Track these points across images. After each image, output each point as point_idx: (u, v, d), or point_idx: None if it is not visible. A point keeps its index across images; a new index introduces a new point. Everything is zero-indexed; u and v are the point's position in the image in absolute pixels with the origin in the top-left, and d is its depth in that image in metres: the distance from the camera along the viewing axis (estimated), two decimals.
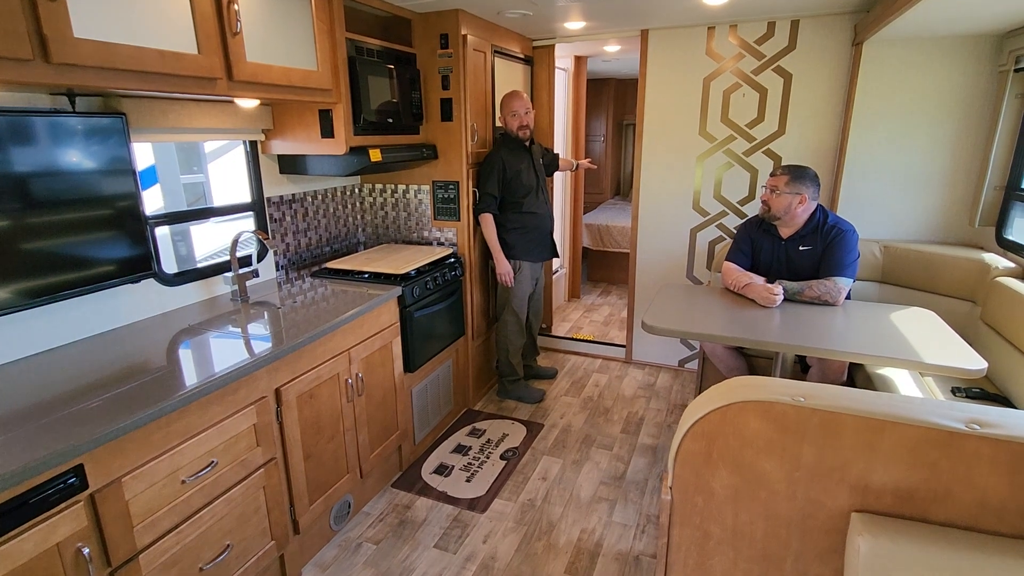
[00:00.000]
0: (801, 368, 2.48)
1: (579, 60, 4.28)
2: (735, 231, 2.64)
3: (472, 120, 2.74)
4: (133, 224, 1.79)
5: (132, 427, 1.29)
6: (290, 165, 2.43)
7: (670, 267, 3.45)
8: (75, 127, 1.62)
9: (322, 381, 1.92)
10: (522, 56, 3.31)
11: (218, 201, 2.88)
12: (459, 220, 2.82)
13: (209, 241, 2.79)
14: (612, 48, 3.85)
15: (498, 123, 2.99)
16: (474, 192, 2.85)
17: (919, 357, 1.75)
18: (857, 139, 2.78)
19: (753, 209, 3.17)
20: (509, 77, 3.18)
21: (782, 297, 2.20)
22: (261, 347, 1.71)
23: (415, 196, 2.90)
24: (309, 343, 1.83)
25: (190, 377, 1.50)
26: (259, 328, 1.91)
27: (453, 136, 2.72)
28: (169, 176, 2.85)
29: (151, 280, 1.95)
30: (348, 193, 2.91)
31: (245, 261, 2.28)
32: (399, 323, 2.36)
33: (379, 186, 2.96)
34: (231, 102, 2.07)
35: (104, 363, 1.58)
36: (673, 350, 3.58)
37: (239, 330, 1.87)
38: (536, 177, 2.95)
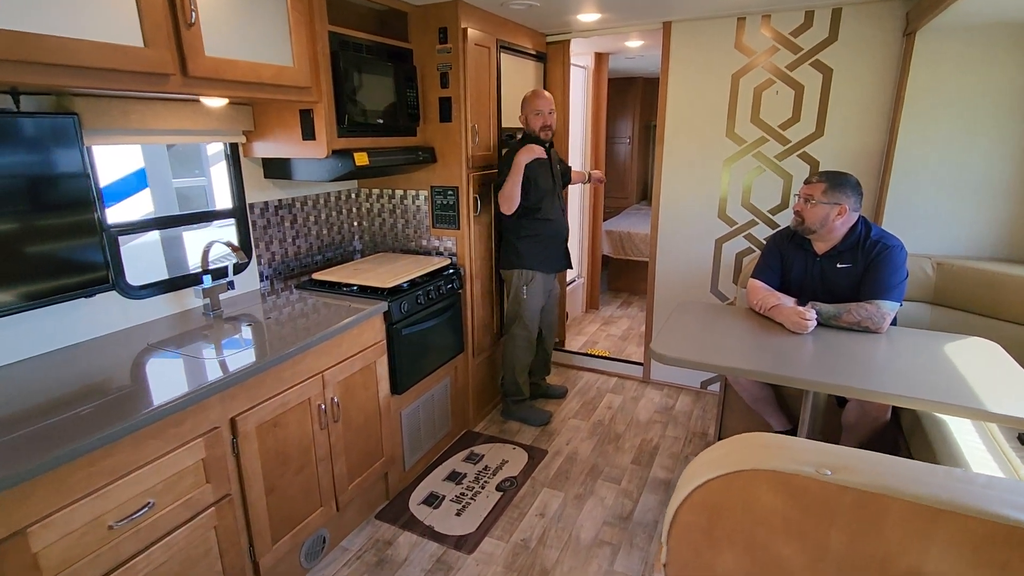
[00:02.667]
0: (837, 402, 2.18)
1: (600, 57, 4.03)
2: (765, 244, 2.35)
3: (473, 121, 2.53)
4: (88, 233, 1.64)
5: (41, 470, 1.13)
6: (275, 169, 2.28)
7: (693, 281, 3.17)
8: (20, 128, 1.48)
9: (289, 408, 1.74)
10: (533, 52, 3.09)
11: (221, 206, 2.75)
12: (458, 229, 2.62)
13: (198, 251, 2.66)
14: (635, 43, 3.59)
15: (519, 122, 2.80)
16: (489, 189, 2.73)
17: (982, 405, 1.46)
18: (907, 142, 2.45)
19: (785, 219, 2.86)
20: (518, 75, 2.97)
21: (815, 322, 1.92)
22: (216, 372, 1.54)
23: (413, 202, 2.71)
24: (272, 366, 1.65)
25: (128, 408, 1.33)
26: (222, 348, 1.74)
27: (452, 138, 2.52)
28: (160, 180, 2.74)
29: (113, 293, 1.81)
30: (344, 199, 2.74)
31: (222, 273, 2.13)
32: (385, 341, 2.17)
33: (376, 191, 2.79)
34: (200, 101, 1.91)
35: (36, 390, 1.43)
36: (695, 370, 3.28)
37: (198, 351, 1.71)
38: (553, 182, 2.75)
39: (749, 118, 2.84)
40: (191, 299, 2.04)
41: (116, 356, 1.64)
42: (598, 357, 3.60)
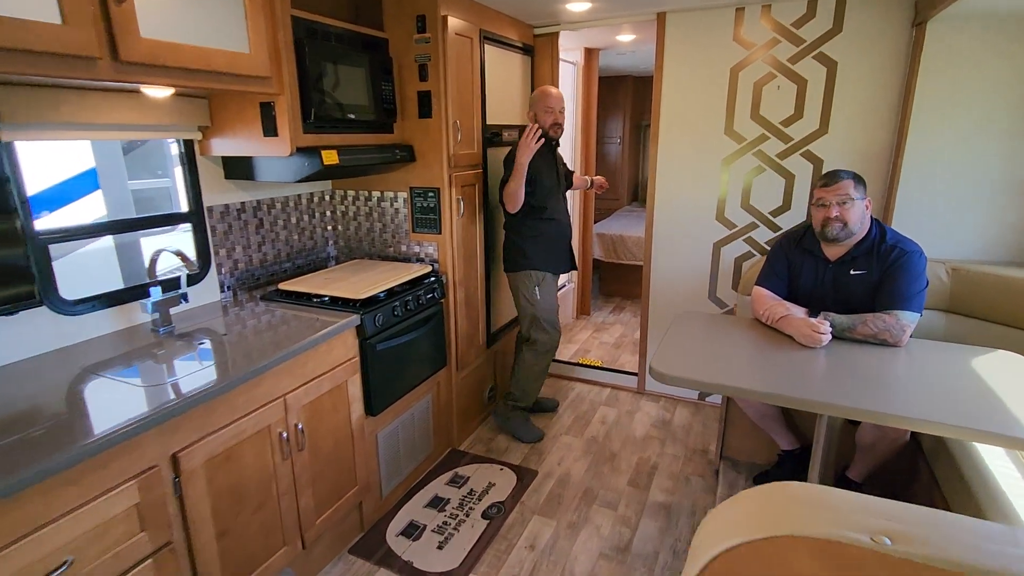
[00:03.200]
0: (850, 420, 2.01)
1: (590, 53, 3.86)
2: (768, 248, 2.17)
3: (455, 117, 2.34)
4: (8, 243, 1.43)
5: None
6: (237, 169, 2.07)
7: (690, 286, 3.00)
8: None
9: (245, 438, 1.54)
10: (520, 45, 2.90)
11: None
12: (440, 233, 2.42)
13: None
14: (626, 38, 3.42)
15: (504, 119, 2.68)
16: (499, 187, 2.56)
17: (1021, 432, 1.29)
18: (918, 139, 2.30)
19: (788, 222, 2.70)
20: (503, 69, 2.78)
21: (829, 335, 1.75)
22: (157, 400, 1.33)
23: (391, 205, 2.51)
24: (225, 392, 1.44)
25: (40, 450, 1.12)
26: (167, 372, 1.53)
27: (432, 135, 2.32)
28: (114, 181, 2.51)
29: (43, 309, 1.59)
30: (316, 201, 2.54)
31: (175, 284, 1.92)
32: (358, 358, 1.97)
33: (351, 193, 2.59)
34: (142, 92, 1.70)
35: None
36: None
37: (139, 375, 1.50)
38: (558, 181, 2.61)
39: (749, 114, 2.68)
40: (139, 314, 1.82)
41: (40, 383, 1.43)
42: (591, 367, 3.42)
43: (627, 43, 3.56)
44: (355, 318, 1.92)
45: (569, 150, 3.93)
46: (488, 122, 2.64)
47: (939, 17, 2.14)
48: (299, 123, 1.85)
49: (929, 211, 2.34)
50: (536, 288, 2.60)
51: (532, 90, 3.11)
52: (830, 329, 1.75)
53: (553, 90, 2.52)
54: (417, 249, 2.51)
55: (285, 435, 1.66)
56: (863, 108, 2.47)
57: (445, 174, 2.35)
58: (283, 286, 2.14)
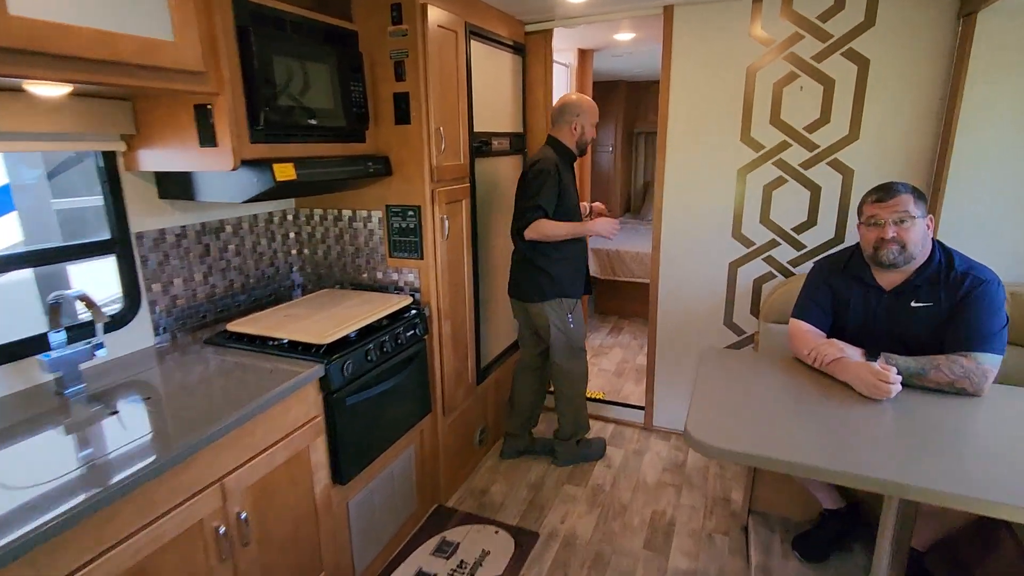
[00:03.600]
0: None
1: (584, 54, 3.56)
2: (791, 269, 1.86)
3: (438, 123, 2.00)
4: None
5: None
6: (173, 187, 1.71)
7: (702, 310, 2.69)
8: None
9: (166, 541, 1.17)
10: (510, 42, 2.58)
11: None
12: (421, 258, 2.08)
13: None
14: (625, 36, 3.13)
15: (565, 129, 2.31)
16: (519, 207, 2.27)
17: None
18: (967, 147, 2.02)
19: (814, 238, 2.41)
20: (492, 68, 2.45)
21: (899, 385, 1.44)
22: (29, 517, 0.96)
23: (364, 226, 2.16)
24: (129, 492, 1.08)
25: None
26: (55, 461, 1.16)
27: (411, 145, 1.98)
28: (33, 201, 2.13)
29: None
30: (277, 222, 2.18)
31: (89, 330, 1.54)
32: (322, 417, 1.61)
33: (318, 212, 2.23)
34: (31, 91, 1.34)
35: None
36: None
37: (10, 469, 1.13)
38: (577, 197, 2.37)
39: (768, 119, 2.38)
40: (41, 371, 1.45)
41: None
42: (591, 400, 3.09)
43: (625, 43, 3.27)
44: (318, 368, 1.56)
45: None
46: (476, 129, 2.31)
47: (994, 7, 1.87)
48: (244, 130, 1.49)
49: (979, 228, 2.06)
50: (569, 315, 2.37)
51: (524, 94, 2.79)
52: (899, 377, 1.44)
53: (591, 100, 2.36)
54: (395, 276, 2.16)
55: (223, 529, 1.29)
56: (900, 111, 2.19)
57: (427, 189, 2.01)
58: (233, 326, 1.78)
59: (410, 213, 2.05)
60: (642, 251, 4.18)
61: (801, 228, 2.43)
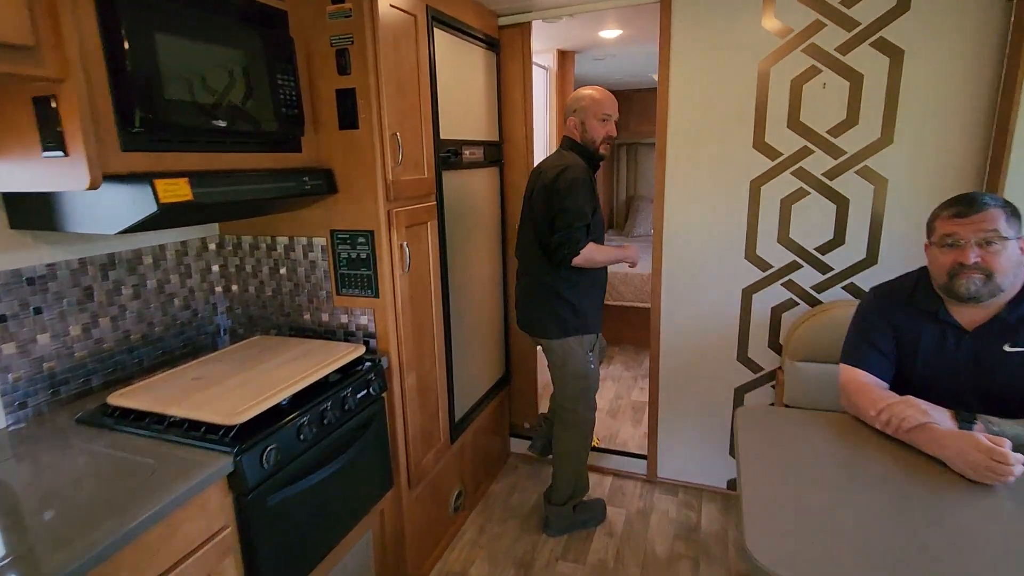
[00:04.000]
0: None
1: (564, 57, 3.21)
2: (861, 308, 1.51)
3: (394, 127, 1.60)
4: None
5: None
6: (31, 214, 1.26)
7: (712, 344, 2.31)
8: None
9: None
10: (482, 36, 2.20)
11: None
12: (377, 296, 1.65)
13: None
14: (611, 34, 2.79)
15: (569, 127, 2.01)
16: (563, 222, 1.87)
17: None
18: None
19: (842, 261, 2.06)
20: (461, 64, 2.07)
21: (1022, 467, 1.06)
22: None
23: (305, 256, 1.74)
24: None
25: None
26: None
27: (360, 154, 1.57)
28: None
29: None
30: (195, 253, 1.74)
31: None
32: (234, 527, 1.17)
33: (247, 239, 1.79)
34: None
35: None
36: (717, 461, 2.42)
37: None
38: (603, 212, 2.06)
39: (785, 122, 2.04)
40: None
41: None
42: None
43: (611, 41, 2.93)
44: (224, 462, 1.12)
45: None
46: (443, 136, 1.91)
47: None
48: (112, 133, 1.07)
49: None
50: (590, 354, 2.06)
51: (499, 96, 2.41)
52: (1020, 459, 1.07)
53: (604, 91, 1.98)
54: (345, 319, 1.73)
55: None
56: (941, 110, 1.87)
57: (381, 210, 1.59)
58: (116, 398, 1.32)
59: (361, 240, 1.63)
60: (631, 272, 3.82)
61: (826, 248, 2.08)
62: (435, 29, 1.82)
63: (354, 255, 1.65)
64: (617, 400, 3.24)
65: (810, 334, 1.94)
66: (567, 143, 2.02)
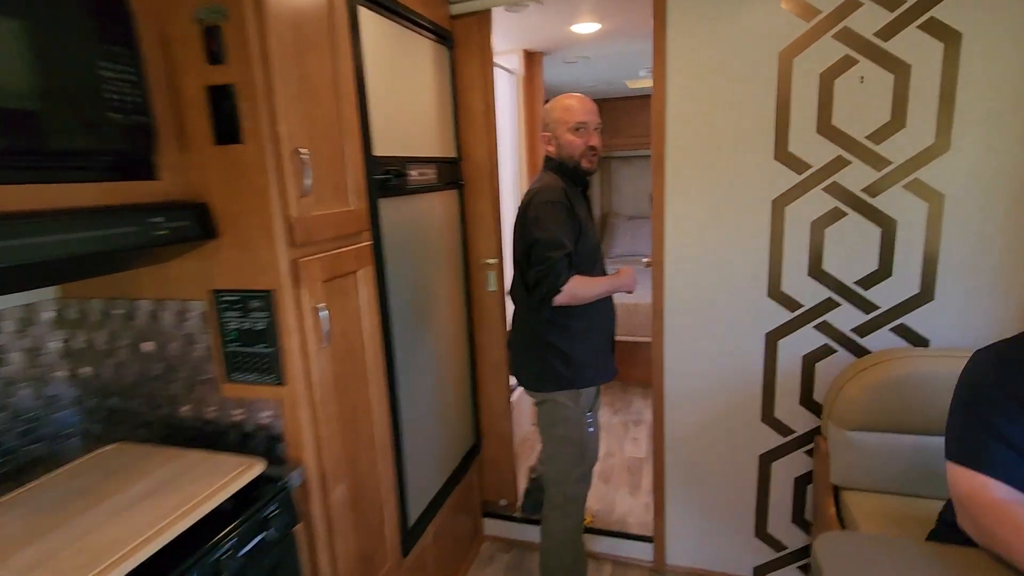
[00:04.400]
0: None
1: (531, 59, 2.78)
2: (969, 382, 1.07)
3: (297, 141, 1.10)
4: None
5: None
6: None
7: (729, 402, 1.87)
8: None
9: None
10: (429, 26, 1.74)
11: None
12: (282, 383, 1.14)
13: None
14: (586, 28, 2.36)
15: (544, 144, 1.68)
16: (537, 255, 1.52)
17: None
18: None
19: (890, 296, 1.65)
20: (402, 57, 1.59)
21: None
22: None
23: (177, 325, 1.21)
24: None
25: None
26: None
27: (248, 180, 1.07)
28: None
29: None
30: (17, 327, 1.19)
31: None
32: None
33: (98, 304, 1.26)
34: None
35: None
36: (741, 543, 1.96)
37: None
38: (597, 237, 1.70)
39: (814, 126, 1.64)
40: None
41: None
42: None
43: (587, 38, 2.50)
44: None
45: (512, 193, 2.78)
46: (377, 153, 1.42)
47: None
48: None
49: None
50: (589, 414, 1.66)
51: (455, 102, 1.95)
52: None
53: (577, 97, 1.63)
54: (239, 415, 1.21)
55: None
56: (1011, 106, 1.48)
57: (282, 261, 1.09)
58: None
59: (256, 304, 1.12)
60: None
61: (870, 281, 1.67)
62: (361, 8, 1.34)
63: (247, 325, 1.14)
64: (608, 458, 2.76)
65: (864, 395, 1.51)
66: (546, 162, 1.69)
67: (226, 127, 1.06)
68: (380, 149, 1.43)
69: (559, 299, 1.50)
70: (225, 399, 1.21)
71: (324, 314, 1.17)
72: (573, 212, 1.55)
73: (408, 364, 1.60)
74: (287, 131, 1.07)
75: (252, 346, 1.15)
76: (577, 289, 1.51)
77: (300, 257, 1.12)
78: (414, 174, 1.62)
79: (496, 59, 2.35)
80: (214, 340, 1.18)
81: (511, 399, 2.22)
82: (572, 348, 1.60)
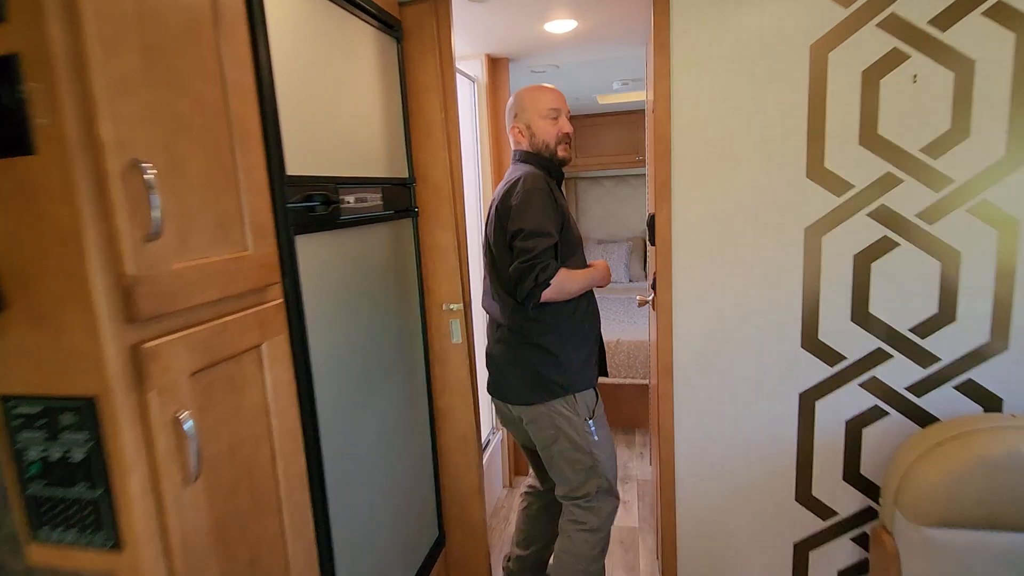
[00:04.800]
0: None
1: (496, 66, 2.42)
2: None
3: (140, 147, 0.67)
4: None
5: None
6: None
7: (755, 476, 1.51)
8: None
9: None
10: (369, 7, 1.34)
11: None
12: (116, 545, 0.69)
13: None
14: (560, 27, 2.01)
15: (513, 137, 1.53)
16: (521, 246, 1.34)
17: None
18: None
19: (957, 343, 1.33)
20: (330, 45, 1.18)
21: None
22: None
23: None
24: None
25: None
26: None
27: (47, 218, 0.63)
28: None
29: None
30: None
31: None
32: None
33: None
34: None
35: None
36: None
37: None
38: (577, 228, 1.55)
39: (856, 137, 1.32)
40: None
41: None
42: None
43: (560, 38, 2.15)
44: None
45: (476, 213, 2.38)
46: (293, 172, 1.00)
47: None
48: None
49: None
50: (590, 421, 1.46)
51: (405, 107, 1.54)
52: None
53: (545, 85, 1.53)
54: None
55: None
56: None
57: (110, 347, 0.65)
58: None
59: (68, 420, 0.67)
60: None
61: (928, 327, 1.35)
62: None
63: (57, 454, 0.69)
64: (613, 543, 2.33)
65: (947, 481, 1.16)
66: (518, 156, 1.54)
67: (7, 127, 0.62)
68: (298, 167, 1.02)
69: (547, 293, 1.34)
70: (32, 569, 0.74)
71: (190, 427, 0.72)
72: (557, 200, 1.42)
73: (345, 460, 1.16)
74: (115, 133, 0.64)
75: (67, 487, 0.69)
76: (564, 283, 1.36)
77: (145, 340, 0.68)
78: (350, 200, 1.20)
79: (458, 62, 1.98)
80: (8, 475, 0.72)
81: (482, 461, 1.79)
82: (563, 350, 1.43)
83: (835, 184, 1.35)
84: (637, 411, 3.09)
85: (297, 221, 1.01)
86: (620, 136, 4.13)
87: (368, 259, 1.31)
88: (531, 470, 1.72)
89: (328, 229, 1.12)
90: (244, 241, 0.86)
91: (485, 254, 1.52)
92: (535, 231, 1.33)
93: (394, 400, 1.43)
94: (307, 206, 1.04)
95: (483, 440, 2.38)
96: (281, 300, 0.96)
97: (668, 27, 1.38)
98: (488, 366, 1.56)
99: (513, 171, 1.49)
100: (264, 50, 0.93)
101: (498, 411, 1.61)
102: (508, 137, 1.56)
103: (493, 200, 1.48)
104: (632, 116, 4.10)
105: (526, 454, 1.69)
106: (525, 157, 1.50)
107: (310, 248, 1.05)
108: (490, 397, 1.59)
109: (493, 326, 1.54)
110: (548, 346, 1.42)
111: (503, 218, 1.40)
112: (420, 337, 1.60)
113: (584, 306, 1.47)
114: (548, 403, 1.43)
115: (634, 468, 2.81)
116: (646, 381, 2.91)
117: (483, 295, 1.58)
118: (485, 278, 1.55)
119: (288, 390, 0.96)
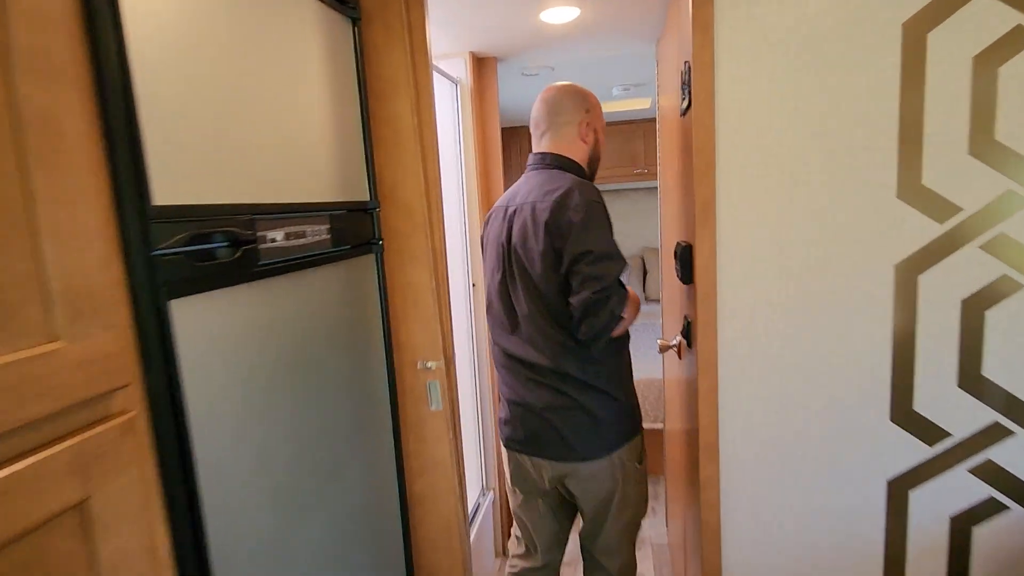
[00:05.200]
0: None
1: (482, 66, 2.07)
2: None
3: None
4: None
5: None
6: None
7: None
8: None
9: None
10: None
11: None
12: None
13: None
14: (561, 15, 1.67)
15: (576, 133, 1.29)
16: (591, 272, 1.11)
17: None
18: None
19: None
20: (241, 17, 0.82)
21: None
22: None
23: None
24: None
25: None
26: None
27: None
28: None
29: None
30: None
31: None
32: None
33: None
34: None
35: None
36: None
37: None
38: None
39: (966, 144, 0.99)
40: None
41: None
42: None
43: (559, 30, 1.80)
44: None
45: (460, 236, 2.02)
46: (162, 201, 0.63)
47: None
48: None
49: None
50: (637, 464, 1.30)
51: (364, 110, 1.18)
52: None
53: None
54: None
55: None
56: None
57: None
58: None
59: None
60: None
61: None
62: None
63: None
64: None
65: None
66: (555, 161, 1.28)
67: None
68: (176, 193, 0.65)
69: (619, 329, 1.18)
70: None
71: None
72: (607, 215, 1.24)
73: None
74: None
75: None
76: (630, 317, 1.21)
77: None
78: (276, 238, 0.84)
79: (436, 61, 1.63)
80: None
81: (469, 550, 1.42)
82: (620, 391, 1.26)
83: (936, 207, 1.02)
84: (649, 456, 2.73)
85: (174, 277, 0.64)
86: (619, 148, 3.81)
87: (307, 317, 0.95)
88: (521, 546, 1.40)
89: (236, 283, 0.76)
90: (49, 326, 0.50)
91: (504, 282, 1.28)
92: (605, 254, 1.13)
93: (349, 499, 1.06)
94: (193, 252, 0.67)
95: (471, 507, 2.01)
96: (137, 411, 0.59)
97: (712, 17, 1.04)
98: (521, 418, 1.29)
99: (552, 179, 1.24)
100: (106, 5, 0.57)
101: (520, 472, 1.32)
102: (545, 130, 1.29)
103: (520, 211, 1.23)
104: (632, 126, 3.79)
105: (530, 522, 1.37)
106: (569, 165, 1.27)
107: (200, 317, 0.69)
108: (509, 454, 1.33)
109: (521, 367, 1.28)
110: (609, 389, 1.23)
111: (555, 236, 1.16)
112: (387, 406, 1.23)
113: (624, 344, 1.30)
114: (611, 455, 1.25)
115: (646, 526, 2.45)
116: (658, 425, 2.56)
117: (496, 328, 1.34)
118: (498, 310, 1.31)
119: (147, 560, 0.58)
